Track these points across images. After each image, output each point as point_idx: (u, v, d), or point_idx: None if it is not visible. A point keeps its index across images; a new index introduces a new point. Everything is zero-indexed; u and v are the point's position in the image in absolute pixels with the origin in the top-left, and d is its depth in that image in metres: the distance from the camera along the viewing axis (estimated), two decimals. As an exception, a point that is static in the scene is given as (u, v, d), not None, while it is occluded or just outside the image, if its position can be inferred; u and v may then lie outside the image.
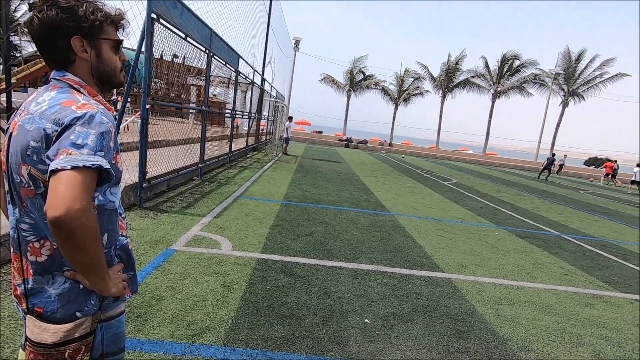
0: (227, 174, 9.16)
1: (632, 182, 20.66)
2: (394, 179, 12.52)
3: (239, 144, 13.15)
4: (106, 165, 0.93)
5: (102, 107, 1.02)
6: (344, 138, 31.72)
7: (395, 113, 40.53)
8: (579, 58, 36.29)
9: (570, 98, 37.63)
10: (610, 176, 24.80)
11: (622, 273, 5.03)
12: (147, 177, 5.39)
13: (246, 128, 13.44)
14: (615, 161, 27.43)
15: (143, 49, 5.09)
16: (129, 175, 5.37)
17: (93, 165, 0.90)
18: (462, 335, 2.85)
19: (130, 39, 7.62)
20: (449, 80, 38.80)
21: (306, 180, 9.77)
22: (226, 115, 11.25)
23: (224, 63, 8.91)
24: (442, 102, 39.86)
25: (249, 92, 13.47)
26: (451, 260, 4.64)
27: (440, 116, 40.47)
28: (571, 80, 36.84)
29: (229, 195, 6.75)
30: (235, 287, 3.17)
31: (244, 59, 10.80)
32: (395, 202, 8.15)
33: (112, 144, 0.99)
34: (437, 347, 2.64)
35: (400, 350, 2.55)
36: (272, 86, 18.25)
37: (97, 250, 0.94)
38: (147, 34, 4.96)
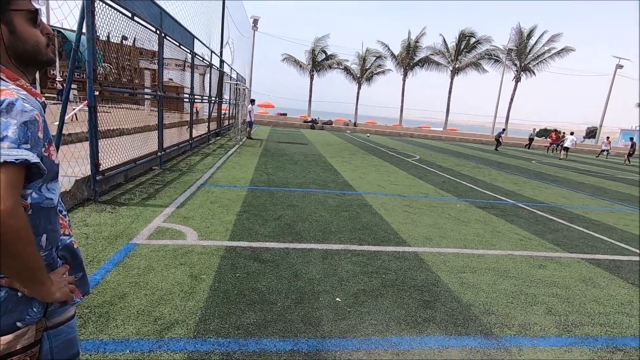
0: (189, 162, 8.83)
1: (564, 149, 22.50)
2: (360, 158, 12.67)
3: (200, 130, 12.67)
4: (34, 159, 0.83)
5: (25, 92, 0.90)
6: (309, 119, 31.51)
7: (358, 93, 40.68)
8: (530, 34, 37.96)
9: (522, 73, 39.51)
10: (555, 146, 26.74)
11: (569, 235, 5.45)
12: (100, 169, 5.06)
13: (207, 113, 12.92)
14: (572, 133, 29.31)
15: (84, 30, 4.66)
16: (79, 169, 5.02)
17: (17, 160, 0.79)
18: (429, 304, 2.98)
19: (69, 19, 6.95)
20: (410, 58, 39.30)
21: (272, 164, 9.64)
22: (184, 100, 10.73)
23: (177, 44, 8.42)
24: (404, 80, 40.45)
25: (208, 75, 12.88)
26: (417, 234, 4.80)
27: (403, 94, 41.12)
28: (523, 56, 38.59)
29: (192, 184, 6.52)
30: (204, 278, 3.09)
31: (199, 40, 10.26)
32: (362, 181, 8.26)
33: (40, 135, 0.88)
34: (406, 319, 2.75)
35: (372, 325, 2.62)
36: (232, 68, 17.59)
37: (31, 254, 0.85)
38: (88, 13, 4.54)
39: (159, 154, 7.51)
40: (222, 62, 15.14)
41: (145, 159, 6.76)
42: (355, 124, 33.68)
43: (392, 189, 7.74)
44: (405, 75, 40.23)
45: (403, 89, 40.94)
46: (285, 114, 35.70)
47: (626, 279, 3.93)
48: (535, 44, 38.22)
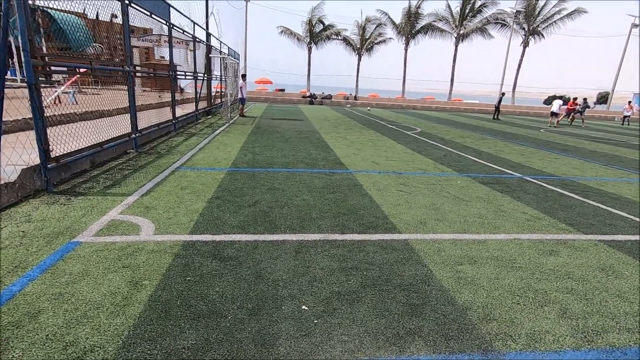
0: (170, 143, 8.25)
1: (552, 114, 21.08)
2: (357, 133, 11.97)
3: (187, 109, 11.99)
4: None
5: None
6: (308, 95, 30.45)
7: (359, 64, 39.16)
8: (538, -6, 35.72)
9: (530, 37, 37.55)
10: (571, 114, 23.81)
11: (584, 212, 4.85)
12: (54, 156, 4.50)
13: (191, 90, 12.20)
14: (585, 99, 27.87)
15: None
16: (27, 156, 4.46)
17: None
18: (415, 310, 2.45)
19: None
20: (411, 25, 37.45)
21: (261, 142, 9.02)
22: (162, 76, 9.99)
23: (148, 14, 7.63)
24: (406, 50, 38.77)
25: (194, 50, 12.04)
26: (410, 217, 4.24)
27: (405, 64, 39.55)
28: (531, 19, 36.53)
29: (166, 167, 5.96)
30: (145, 284, 2.58)
31: (175, 9, 9.40)
32: (356, 158, 7.64)
33: None
34: (386, 331, 2.22)
35: (340, 342, 2.11)
36: (221, 42, 16.63)
37: None
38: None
39: (134, 136, 6.92)
40: (208, 35, 14.21)
41: (114, 142, 6.18)
42: (355, 98, 32.55)
43: (388, 165, 7.12)
44: (407, 44, 38.48)
45: (405, 59, 39.32)
46: (283, 90, 34.57)
47: (653, 265, 3.36)
48: (544, 5, 36.07)
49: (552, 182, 6.53)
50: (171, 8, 8.96)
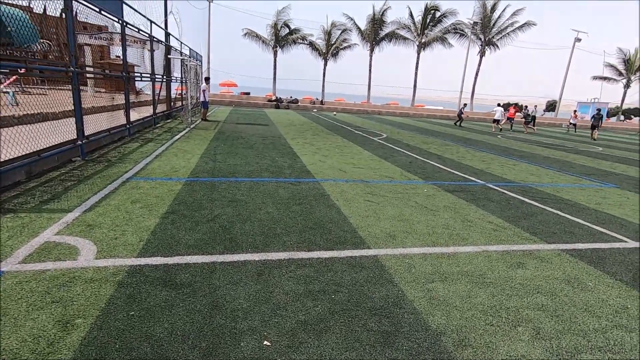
0: (123, 150, 7.63)
1: (494, 121, 22.09)
2: (323, 139, 11.83)
3: (144, 112, 11.28)
4: None
5: None
6: (274, 99, 30.05)
7: (325, 69, 39.30)
8: (493, 7, 37.78)
9: (486, 47, 39.57)
10: (512, 121, 24.25)
11: (545, 220, 4.96)
12: (-23, 167, 3.91)
13: (150, 93, 11.50)
14: (535, 106, 29.70)
15: None
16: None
17: None
18: (388, 339, 2.26)
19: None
20: (376, 32, 38.20)
21: (223, 149, 8.61)
22: (114, 76, 9.29)
23: (97, 10, 7.02)
24: (371, 56, 39.44)
25: (152, 50, 11.35)
26: (379, 230, 4.09)
27: (370, 70, 40.21)
28: (487, 30, 38.53)
29: (116, 178, 5.45)
30: (78, 323, 2.20)
31: (128, 5, 8.78)
32: (322, 166, 7.46)
33: None
34: (357, 367, 2.02)
35: (307, 386, 1.87)
36: (181, 42, 15.92)
37: None
38: None
39: (80, 142, 6.30)
40: (167, 35, 13.52)
41: (56, 150, 5.58)
42: (322, 103, 32.58)
43: (355, 173, 7.01)
44: (372, 50, 39.17)
45: (370, 65, 39.98)
46: (248, 93, 33.91)
47: (613, 275, 3.43)
48: (498, 17, 38.19)
49: (513, 189, 6.71)
50: (124, 4, 8.35)
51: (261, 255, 3.27)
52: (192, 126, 12.50)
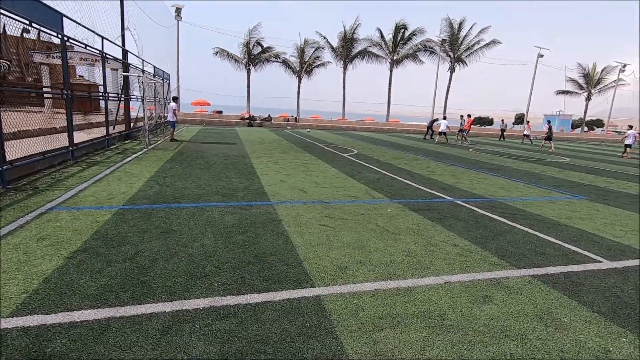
0: (59, 175, 6.85)
1: (440, 133, 22.49)
2: (291, 157, 11.33)
3: (94, 133, 10.48)
4: None
5: None
6: (246, 117, 29.55)
7: (299, 87, 39.33)
8: (460, 26, 39.18)
9: (456, 64, 40.80)
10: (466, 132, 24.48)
11: (514, 239, 4.57)
12: None
13: (107, 112, 10.74)
14: (502, 120, 30.56)
15: None
16: None
17: None
18: None
19: None
20: (348, 50, 38.73)
21: (177, 170, 7.94)
22: (54, 94, 8.52)
23: (27, 22, 6.37)
24: (344, 73, 39.84)
25: (103, 68, 10.65)
26: (328, 262, 3.55)
27: (344, 87, 40.53)
28: (455, 47, 39.81)
29: (34, 209, 4.71)
30: None
31: (71, 19, 8.14)
32: (282, 186, 6.92)
33: None
34: None
35: None
36: (143, 60, 15.27)
37: None
38: None
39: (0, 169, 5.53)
40: (125, 52, 12.87)
41: (-38, 179, 4.80)
42: (296, 120, 32.32)
43: (316, 193, 6.50)
44: (345, 67, 39.61)
45: (344, 82, 40.33)
46: (220, 112, 33.29)
47: (590, 306, 3.00)
48: (466, 35, 39.59)
49: (482, 205, 6.36)
50: (65, 18, 7.72)
51: (175, 305, 2.65)
52: (150, 147, 11.74)
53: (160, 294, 2.79)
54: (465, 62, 40.73)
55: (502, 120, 30.59)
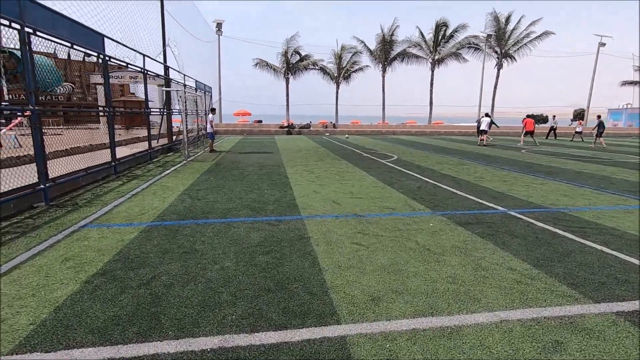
0: (100, 190, 7.05)
1: (481, 132, 20.06)
2: (327, 165, 10.98)
3: (137, 147, 10.89)
4: None
5: None
6: (285, 125, 29.79)
7: (337, 92, 39.07)
8: (507, 20, 36.80)
9: (503, 59, 38.32)
10: (530, 134, 20.85)
11: (586, 261, 3.80)
12: None
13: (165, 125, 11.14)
14: (554, 116, 28.08)
15: None
16: None
17: None
18: None
19: None
20: (387, 52, 37.88)
21: (211, 182, 7.90)
22: (92, 112, 8.91)
23: (70, 45, 6.65)
24: (383, 76, 38.98)
25: (145, 84, 11.09)
26: (359, 291, 3.10)
27: (383, 90, 39.63)
28: (502, 42, 37.41)
29: (68, 227, 4.75)
30: None
31: (113, 39, 8.48)
32: (315, 198, 6.56)
33: None
34: None
35: None
36: (184, 75, 15.83)
37: None
38: None
39: (42, 186, 5.73)
40: (166, 68, 13.38)
41: (6, 198, 4.98)
42: (334, 126, 32.05)
43: (350, 205, 6.06)
44: (384, 70, 38.75)
45: (383, 85, 39.44)
46: (260, 121, 33.98)
47: None
48: (514, 29, 37.09)
49: (541, 216, 5.53)
50: (105, 38, 8.04)
51: (181, 344, 2.36)
52: (190, 159, 12.00)
53: (168, 329, 2.52)
54: (514, 57, 38.09)
55: (554, 117, 28.05)
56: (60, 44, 6.39)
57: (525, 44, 37.11)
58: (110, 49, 8.55)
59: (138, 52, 10.30)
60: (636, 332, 2.55)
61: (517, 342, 2.41)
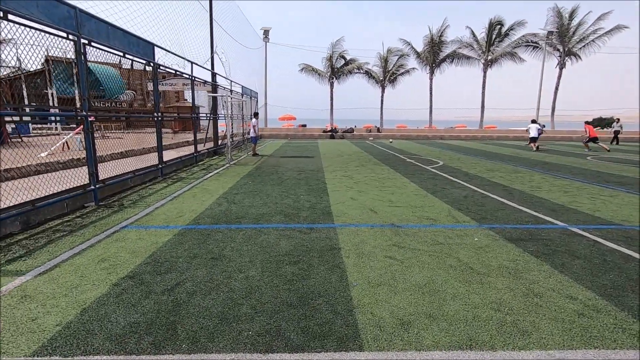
0: (146, 192, 7.38)
1: (531, 140, 18.92)
2: (367, 170, 10.66)
3: (184, 151, 11.37)
4: None
5: None
6: (329, 129, 29.77)
7: (382, 96, 38.41)
8: (572, 14, 33.84)
9: (566, 58, 35.23)
10: (592, 141, 18.77)
11: (669, 293, 3.17)
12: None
13: (198, 131, 11.60)
14: (618, 119, 25.05)
15: None
16: None
17: None
18: None
19: None
20: (435, 54, 36.51)
21: (249, 186, 7.96)
22: (143, 116, 9.39)
23: (122, 54, 7.07)
24: (431, 79, 37.63)
25: (192, 90, 11.58)
26: (388, 312, 2.82)
27: (431, 93, 38.26)
28: (565, 39, 34.42)
29: (110, 227, 4.97)
30: None
31: (162, 48, 8.92)
32: (351, 205, 6.31)
33: None
34: None
35: None
36: (231, 81, 16.37)
37: None
38: None
39: (93, 187, 6.09)
40: (214, 74, 13.90)
41: (57, 198, 5.33)
42: (379, 130, 31.43)
43: (388, 214, 5.73)
44: (432, 73, 37.40)
45: (431, 88, 38.07)
46: (305, 125, 34.29)
47: None
48: (579, 25, 33.96)
49: (610, 234, 4.81)
50: (156, 47, 8.46)
51: (192, 359, 2.25)
52: (233, 162, 12.31)
53: (182, 341, 2.43)
54: (579, 56, 34.83)
55: (617, 120, 24.74)
56: (114, 53, 6.80)
57: (592, 41, 33.82)
58: (161, 57, 8.98)
59: (186, 59, 10.79)
60: None
61: (576, 393, 2.00)
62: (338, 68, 36.96)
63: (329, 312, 2.81)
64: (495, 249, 4.24)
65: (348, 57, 37.03)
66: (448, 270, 3.63)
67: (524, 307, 2.91)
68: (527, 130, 20.51)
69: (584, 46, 34.35)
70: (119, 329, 2.57)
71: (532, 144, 19.17)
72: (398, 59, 37.20)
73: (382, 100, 38.63)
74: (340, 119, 42.89)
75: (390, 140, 26.35)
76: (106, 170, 7.04)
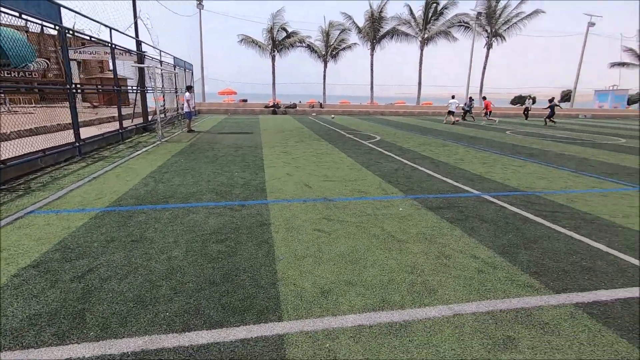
0: (60, 172, 6.66)
1: (449, 113, 21.71)
2: (306, 146, 10.68)
3: (107, 127, 10.39)
4: None
5: None
6: (270, 105, 29.11)
7: (325, 71, 38.24)
8: (498, -4, 36.05)
9: (493, 39, 37.79)
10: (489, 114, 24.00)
11: (553, 248, 3.68)
12: None
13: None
14: (534, 97, 28.26)
15: None
16: None
17: None
18: None
19: None
20: (375, 30, 36.93)
21: (180, 165, 7.56)
22: (53, 89, 8.35)
23: (17, 14, 6.09)
24: (372, 55, 38.17)
25: (113, 59, 10.47)
26: (310, 282, 2.91)
27: (372, 70, 38.93)
28: (493, 21, 36.79)
29: (13, 213, 4.43)
30: None
31: (70, 9, 7.84)
32: (286, 181, 6.31)
33: None
34: None
35: None
36: (160, 51, 15.08)
37: None
38: None
39: (-10, 169, 5.34)
40: (139, 43, 12.66)
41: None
42: (322, 106, 31.45)
43: (322, 188, 5.83)
44: (372, 49, 37.90)
45: (372, 64, 38.71)
46: (245, 100, 33.14)
47: (660, 356, 2.15)
48: (504, 7, 36.42)
49: (515, 200, 5.41)
50: (63, 9, 7.43)
51: (99, 347, 2.13)
52: (164, 139, 11.55)
53: (90, 329, 2.29)
54: (504, 37, 37.59)
55: (529, 97, 28.55)
56: (6, 12, 5.84)
57: (515, 23, 36.60)
58: (78, 22, 7.92)
59: (102, 24, 9.64)
60: (592, 326, 2.42)
61: (466, 339, 2.26)
62: (279, 41, 35.84)
63: (252, 287, 2.83)
64: (416, 217, 4.55)
65: (290, 30, 36.00)
66: (371, 239, 3.83)
67: (434, 268, 3.19)
68: (448, 105, 22.78)
69: (508, 28, 37.08)
70: (17, 323, 2.34)
71: (450, 117, 21.67)
72: (340, 33, 37.03)
73: (324, 76, 38.47)
74: (284, 94, 42.09)
75: (332, 116, 26.56)
76: (10, 150, 6.20)
